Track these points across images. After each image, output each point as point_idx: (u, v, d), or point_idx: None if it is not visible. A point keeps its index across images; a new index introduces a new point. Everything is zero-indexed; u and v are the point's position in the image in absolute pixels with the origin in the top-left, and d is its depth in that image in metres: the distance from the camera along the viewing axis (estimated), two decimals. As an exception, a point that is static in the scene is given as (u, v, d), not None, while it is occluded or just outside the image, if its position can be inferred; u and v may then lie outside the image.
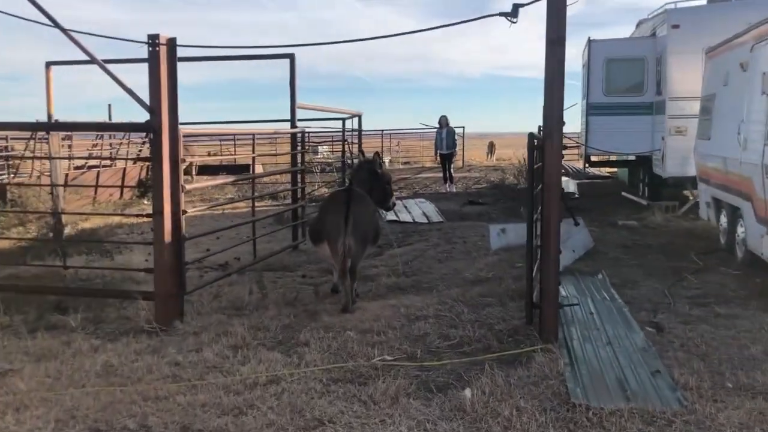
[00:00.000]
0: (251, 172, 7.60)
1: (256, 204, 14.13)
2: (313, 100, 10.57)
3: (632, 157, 14.07)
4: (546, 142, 4.90)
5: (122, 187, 15.63)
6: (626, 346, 4.87)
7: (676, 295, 6.26)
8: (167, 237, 5.74)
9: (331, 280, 7.02)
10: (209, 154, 26.93)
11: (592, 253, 8.18)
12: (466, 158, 29.14)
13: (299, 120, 13.41)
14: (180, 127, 5.97)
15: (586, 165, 14.12)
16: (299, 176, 8.79)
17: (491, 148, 38.22)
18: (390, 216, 12.28)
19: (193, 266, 7.83)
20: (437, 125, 18.22)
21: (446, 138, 17.77)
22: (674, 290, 6.47)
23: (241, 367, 4.70)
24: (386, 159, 30.61)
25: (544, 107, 4.98)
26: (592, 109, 12.64)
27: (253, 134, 7.66)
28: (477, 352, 4.90)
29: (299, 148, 8.71)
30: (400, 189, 18.84)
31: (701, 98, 9.28)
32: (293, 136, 8.70)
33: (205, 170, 21.11)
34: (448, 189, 17.73)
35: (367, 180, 6.70)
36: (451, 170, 18.11)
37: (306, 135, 8.75)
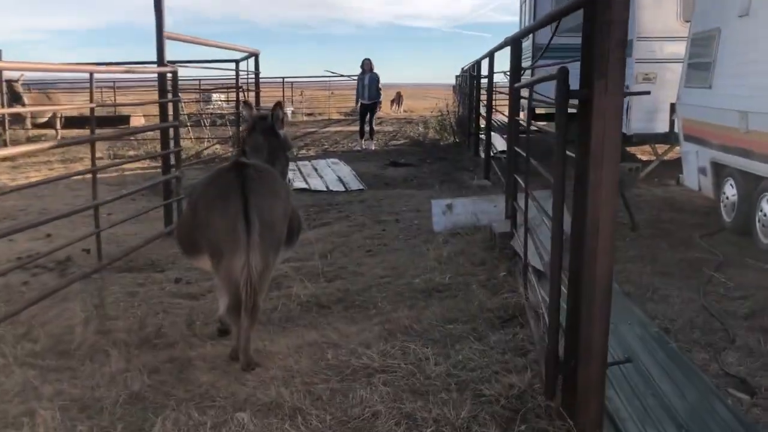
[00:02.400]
0: (90, 128, 5.02)
1: (129, 167, 11.45)
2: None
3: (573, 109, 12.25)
4: (594, 91, 2.70)
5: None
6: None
7: (722, 312, 4.35)
8: None
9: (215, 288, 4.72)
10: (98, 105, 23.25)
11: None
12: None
13: (179, 62, 10.72)
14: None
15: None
16: (171, 134, 6.25)
17: (398, 98, 36.08)
18: (298, 182, 9.93)
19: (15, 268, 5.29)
20: (360, 69, 15.65)
21: (369, 85, 15.29)
22: (713, 301, 4.57)
23: None
24: (288, 110, 27.92)
25: (586, 25, 2.79)
26: (539, 52, 10.60)
27: (90, 73, 5.06)
28: (469, 458, 2.76)
29: (170, 95, 6.16)
30: (306, 146, 16.40)
31: (692, 36, 7.40)
32: (161, 78, 6.15)
33: (75, 122, 17.75)
34: (364, 146, 15.42)
35: (264, 147, 4.29)
36: (372, 124, 15.74)
37: (179, 79, 6.17)
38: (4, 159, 11.99)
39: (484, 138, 11.84)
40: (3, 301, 4.83)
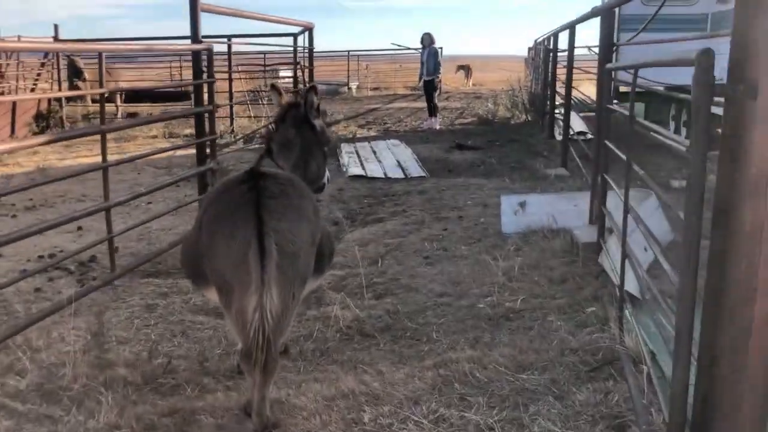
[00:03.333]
0: (101, 117, 4.33)
1: (179, 151, 10.86)
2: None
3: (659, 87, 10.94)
4: (759, 88, 1.76)
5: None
6: None
7: None
8: None
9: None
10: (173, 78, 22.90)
11: (671, 248, 5.15)
12: (441, 84, 25.61)
13: (234, 37, 10.05)
14: None
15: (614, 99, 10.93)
16: (206, 121, 5.53)
17: (468, 71, 34.66)
18: (353, 169, 9.14)
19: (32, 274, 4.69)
20: (420, 44, 14.80)
21: (427, 61, 14.40)
22: None
23: None
24: (353, 84, 27.13)
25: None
26: (625, 24, 9.41)
27: (100, 53, 4.35)
28: None
29: (206, 75, 5.43)
30: (368, 124, 15.58)
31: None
32: (195, 57, 5.42)
33: (137, 98, 17.36)
34: (427, 125, 14.51)
35: (295, 142, 3.48)
36: (435, 101, 14.80)
37: (212, 55, 5.41)
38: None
39: (559, 117, 10.79)
40: (5, 314, 4.26)
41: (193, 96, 5.67)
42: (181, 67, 25.73)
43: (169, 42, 6.03)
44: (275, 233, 2.60)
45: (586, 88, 15.06)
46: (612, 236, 4.49)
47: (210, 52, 5.43)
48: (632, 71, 3.51)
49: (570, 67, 8.56)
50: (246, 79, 18.51)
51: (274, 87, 3.71)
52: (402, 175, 8.83)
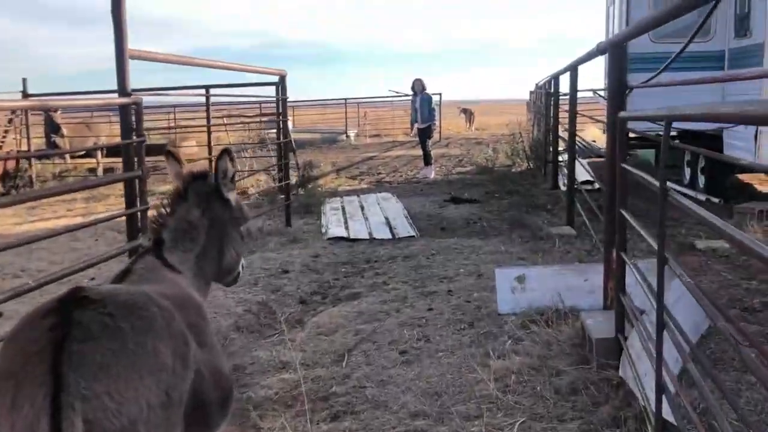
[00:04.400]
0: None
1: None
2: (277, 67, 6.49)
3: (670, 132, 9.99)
4: None
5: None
6: None
7: None
8: None
9: None
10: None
11: (709, 338, 4.10)
12: (442, 129, 24.84)
13: (211, 86, 9.32)
14: None
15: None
16: (137, 186, 4.59)
17: (470, 116, 34.03)
18: (334, 229, 8.19)
19: None
20: (411, 91, 14.12)
21: (420, 107, 13.64)
22: None
23: None
24: (352, 133, 26.43)
25: None
26: (633, 63, 8.52)
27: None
28: None
29: (134, 135, 4.52)
30: (361, 175, 14.67)
31: None
32: (123, 112, 4.52)
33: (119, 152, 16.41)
34: (422, 175, 13.62)
35: (200, 227, 2.53)
36: (428, 149, 13.94)
37: (139, 108, 4.47)
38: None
39: (563, 165, 9.88)
40: None
41: (122, 159, 4.72)
42: (175, 116, 25.12)
43: (96, 96, 5.18)
44: (84, 402, 1.58)
45: (590, 132, 14.16)
46: (634, 332, 3.47)
47: (139, 106, 4.51)
48: (659, 122, 2.55)
49: (573, 112, 7.64)
50: (235, 130, 17.73)
51: (169, 153, 2.74)
52: (389, 236, 7.85)
